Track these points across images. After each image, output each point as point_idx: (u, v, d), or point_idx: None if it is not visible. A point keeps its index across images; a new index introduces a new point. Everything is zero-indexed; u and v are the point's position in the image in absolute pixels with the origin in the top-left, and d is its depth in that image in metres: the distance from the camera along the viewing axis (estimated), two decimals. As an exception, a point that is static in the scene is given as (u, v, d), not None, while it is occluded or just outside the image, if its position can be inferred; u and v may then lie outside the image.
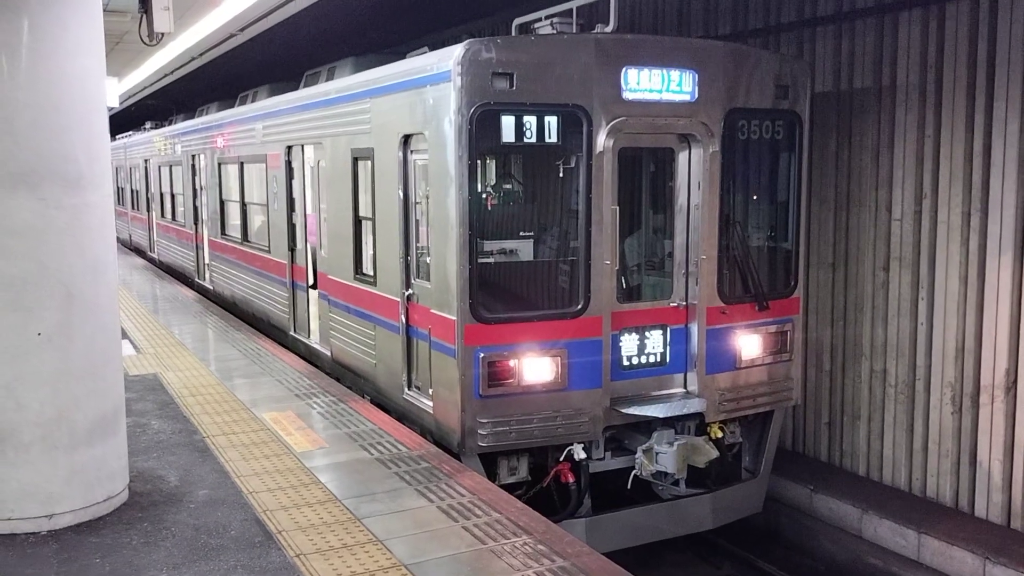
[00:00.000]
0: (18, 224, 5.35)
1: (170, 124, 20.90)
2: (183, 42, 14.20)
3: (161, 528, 5.59)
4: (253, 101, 13.73)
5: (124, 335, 11.21)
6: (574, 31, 7.69)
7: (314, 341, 10.79)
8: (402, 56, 8.84)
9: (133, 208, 24.79)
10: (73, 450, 5.59)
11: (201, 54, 15.36)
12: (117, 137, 26.88)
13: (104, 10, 5.90)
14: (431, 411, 7.57)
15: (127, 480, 6.11)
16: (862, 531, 8.65)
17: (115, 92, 17.74)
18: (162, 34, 8.36)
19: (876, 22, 8.84)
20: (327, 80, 10.76)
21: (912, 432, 8.86)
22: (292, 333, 11.45)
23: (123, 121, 30.62)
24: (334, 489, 6.21)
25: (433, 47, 8.18)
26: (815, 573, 8.77)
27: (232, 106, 14.92)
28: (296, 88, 11.78)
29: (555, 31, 7.71)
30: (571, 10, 7.76)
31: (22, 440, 5.47)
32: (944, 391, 8.52)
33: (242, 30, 12.84)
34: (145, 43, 8.73)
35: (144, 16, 8.10)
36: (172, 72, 18.31)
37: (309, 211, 11.08)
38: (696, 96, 7.51)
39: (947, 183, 8.34)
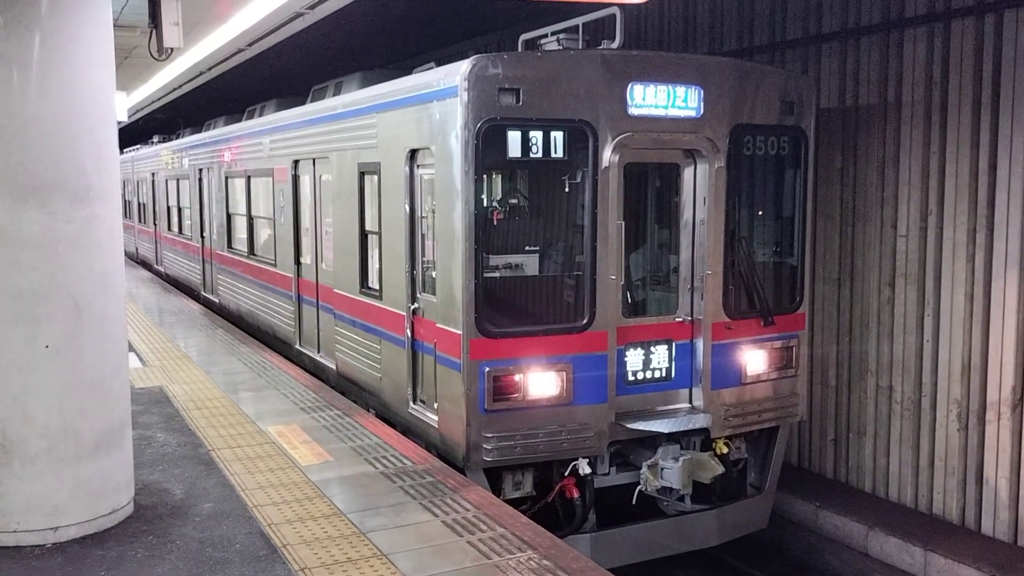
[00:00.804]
0: (28, 236, 5.37)
1: (178, 138, 21.01)
2: (191, 56, 14.25)
3: (166, 541, 5.57)
4: (260, 115, 13.80)
5: (130, 348, 11.24)
6: (580, 47, 7.73)
7: (320, 355, 10.80)
8: (408, 71, 8.90)
9: (140, 221, 24.89)
10: (79, 462, 5.58)
11: (209, 68, 15.43)
12: (125, 151, 27.00)
13: (114, 24, 5.94)
14: (436, 425, 7.57)
15: (132, 493, 6.09)
16: (868, 548, 8.60)
17: (124, 106, 17.85)
18: (171, 49, 8.40)
19: (881, 39, 8.87)
20: (334, 95, 10.82)
21: (918, 449, 8.84)
22: (298, 346, 11.47)
23: (131, 135, 30.78)
24: (339, 503, 6.20)
25: (440, 63, 8.23)
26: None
27: (240, 120, 15.00)
28: (303, 102, 11.84)
29: (561, 47, 7.75)
30: (577, 26, 7.82)
31: (28, 452, 5.46)
32: (950, 408, 8.49)
33: (250, 45, 12.89)
34: (155, 58, 8.77)
35: (154, 31, 8.15)
36: (180, 86, 18.39)
37: (316, 225, 11.11)
38: (702, 112, 7.54)
39: (953, 200, 8.35)
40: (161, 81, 17.80)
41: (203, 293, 17.06)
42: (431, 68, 8.22)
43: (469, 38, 14.77)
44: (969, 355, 8.31)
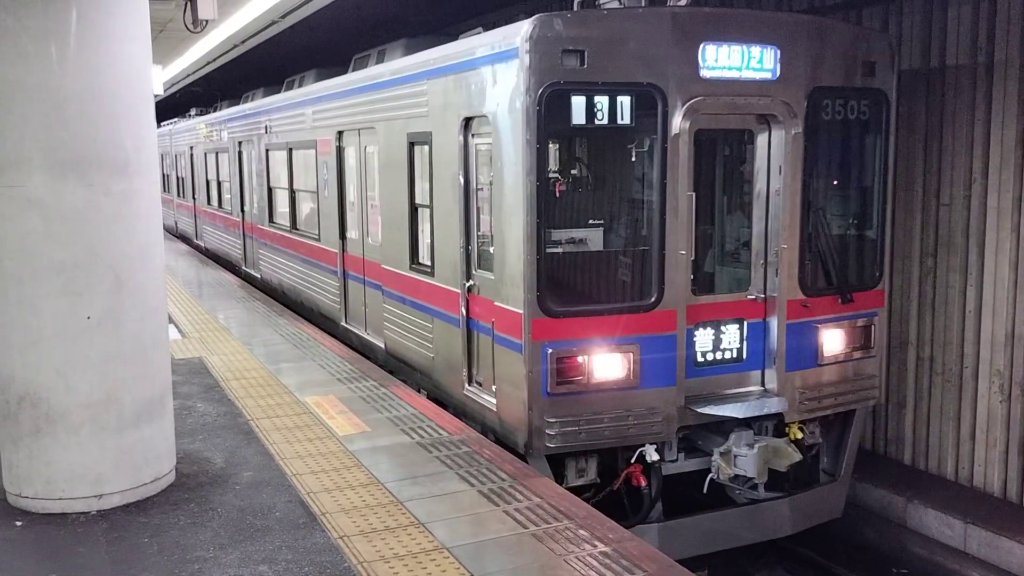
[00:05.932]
0: (68, 210, 5.42)
1: (215, 111, 20.76)
2: (225, 29, 14.02)
3: (208, 509, 5.64)
4: (300, 86, 13.46)
5: (170, 320, 11.12)
6: (645, 5, 7.22)
7: (367, 332, 10.44)
8: (454, 38, 8.44)
9: (179, 196, 24.74)
10: (121, 432, 5.68)
11: (243, 41, 15.17)
12: (162, 124, 26.88)
13: (150, -3, 5.84)
14: (494, 408, 7.18)
15: (174, 461, 6.17)
16: (907, 520, 8.39)
17: (160, 79, 17.61)
18: (206, 21, 8.18)
19: (924, 3, 8.43)
20: (377, 63, 10.44)
21: (959, 420, 8.59)
22: (344, 324, 11.14)
23: (168, 108, 30.68)
24: (376, 472, 6.18)
25: (486, 28, 7.77)
26: (857, 562, 8.31)
27: (278, 92, 14.66)
28: (344, 72, 11.46)
29: (623, 5, 7.24)
30: (640, -16, 7.32)
31: (72, 422, 5.55)
32: (992, 379, 8.23)
33: (283, 17, 12.59)
34: (190, 30, 8.52)
35: (188, 3, 7.96)
36: (216, 59, 18.17)
37: (362, 198, 10.72)
38: (778, 74, 7.01)
39: (997, 168, 8.02)
40: (196, 54, 17.58)
41: (244, 268, 16.85)
42: (479, 34, 7.76)
43: (517, 2, 14.17)
44: (1013, 325, 8.01)
